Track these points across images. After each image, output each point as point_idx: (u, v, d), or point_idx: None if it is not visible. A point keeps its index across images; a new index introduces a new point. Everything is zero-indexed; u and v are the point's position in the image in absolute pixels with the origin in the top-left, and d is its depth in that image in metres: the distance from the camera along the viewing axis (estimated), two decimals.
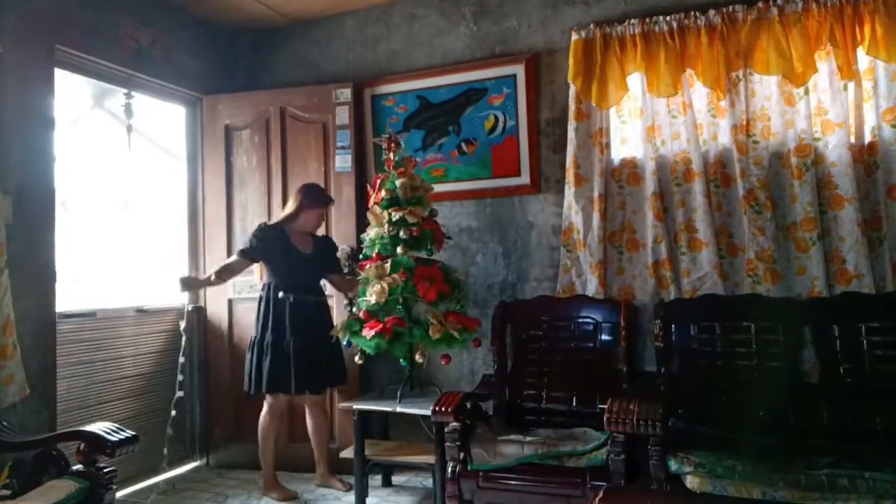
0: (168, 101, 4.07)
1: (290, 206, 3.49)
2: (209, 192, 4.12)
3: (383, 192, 3.26)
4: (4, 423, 2.60)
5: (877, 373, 2.75)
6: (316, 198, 3.51)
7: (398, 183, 3.21)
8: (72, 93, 3.53)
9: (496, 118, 3.70)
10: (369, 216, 3.30)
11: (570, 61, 3.43)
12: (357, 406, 3.23)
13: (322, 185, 3.83)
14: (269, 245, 3.39)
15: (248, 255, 3.42)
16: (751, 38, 3.12)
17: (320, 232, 3.64)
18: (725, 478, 2.33)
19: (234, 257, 3.49)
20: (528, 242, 3.65)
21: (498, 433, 2.91)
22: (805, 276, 3.05)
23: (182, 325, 3.69)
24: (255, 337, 3.44)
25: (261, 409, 3.49)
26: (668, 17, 3.24)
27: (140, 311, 3.78)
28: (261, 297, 3.46)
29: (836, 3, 2.99)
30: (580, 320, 3.30)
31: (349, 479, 3.40)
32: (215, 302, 4.06)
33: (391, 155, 3.32)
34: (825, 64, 3.03)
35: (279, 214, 3.62)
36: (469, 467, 2.77)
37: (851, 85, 3.02)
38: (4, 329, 2.69)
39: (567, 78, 3.45)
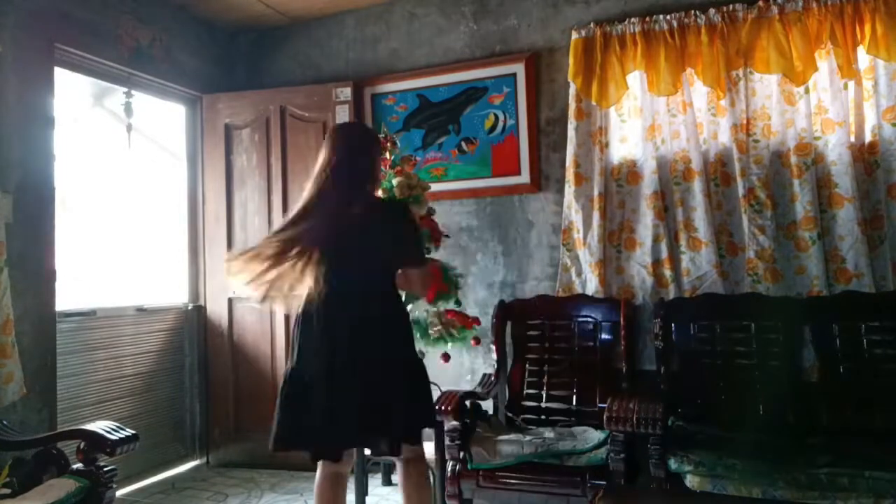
0: (168, 100, 4.06)
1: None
2: (209, 191, 4.12)
3: (380, 192, 3.25)
4: (4, 422, 2.60)
5: (877, 372, 2.75)
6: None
7: (394, 182, 3.20)
8: (72, 91, 3.53)
9: (496, 117, 3.70)
10: None
11: (571, 60, 3.42)
12: None
13: None
14: None
15: None
16: (751, 36, 3.12)
17: None
18: (725, 477, 2.33)
19: None
20: (528, 241, 3.65)
21: (498, 432, 2.91)
22: (805, 275, 3.05)
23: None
24: None
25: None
26: (668, 16, 3.24)
27: (140, 309, 3.78)
28: None
29: (837, 2, 2.99)
30: (580, 319, 3.29)
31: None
32: (215, 301, 4.06)
33: (387, 155, 3.31)
34: (825, 63, 3.03)
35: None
36: (469, 466, 2.77)
37: (852, 84, 3.01)
38: (3, 328, 2.69)
39: (567, 77, 3.45)
